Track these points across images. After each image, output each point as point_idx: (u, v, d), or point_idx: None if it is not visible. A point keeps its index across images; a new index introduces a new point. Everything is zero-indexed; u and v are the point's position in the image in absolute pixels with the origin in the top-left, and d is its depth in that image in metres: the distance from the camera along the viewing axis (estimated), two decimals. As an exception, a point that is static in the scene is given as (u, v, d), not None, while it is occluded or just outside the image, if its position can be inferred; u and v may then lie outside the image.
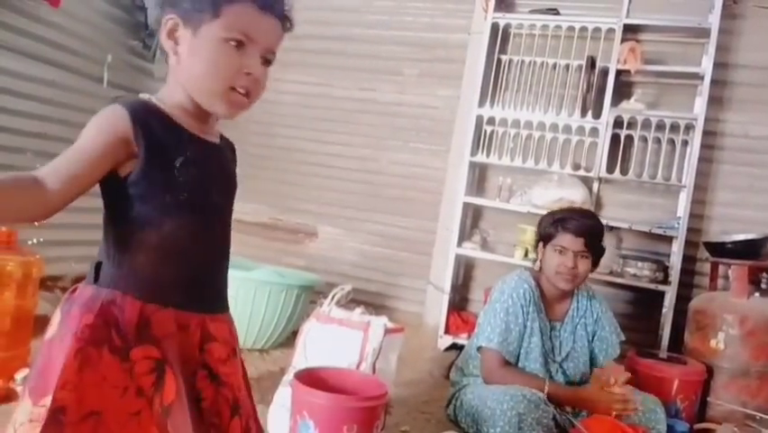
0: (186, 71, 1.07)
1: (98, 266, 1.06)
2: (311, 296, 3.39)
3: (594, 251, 2.45)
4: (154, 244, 1.05)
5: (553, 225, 2.46)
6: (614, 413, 2.13)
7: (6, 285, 2.19)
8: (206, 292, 1.13)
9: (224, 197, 1.17)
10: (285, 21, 1.12)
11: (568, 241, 2.41)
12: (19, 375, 2.18)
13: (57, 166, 0.96)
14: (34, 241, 3.44)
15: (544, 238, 2.51)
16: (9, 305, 2.18)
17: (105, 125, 1.00)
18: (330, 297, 2.37)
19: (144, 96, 1.09)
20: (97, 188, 1.04)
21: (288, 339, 3.21)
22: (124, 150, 1.01)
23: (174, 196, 1.05)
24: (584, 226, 2.41)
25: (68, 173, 0.96)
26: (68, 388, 0.95)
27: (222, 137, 1.20)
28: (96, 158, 0.98)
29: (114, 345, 1.00)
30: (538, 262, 2.53)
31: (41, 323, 1.26)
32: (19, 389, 2.11)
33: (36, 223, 0.98)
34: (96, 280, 1.05)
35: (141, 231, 1.05)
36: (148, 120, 1.03)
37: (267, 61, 1.10)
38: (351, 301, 2.43)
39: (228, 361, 1.11)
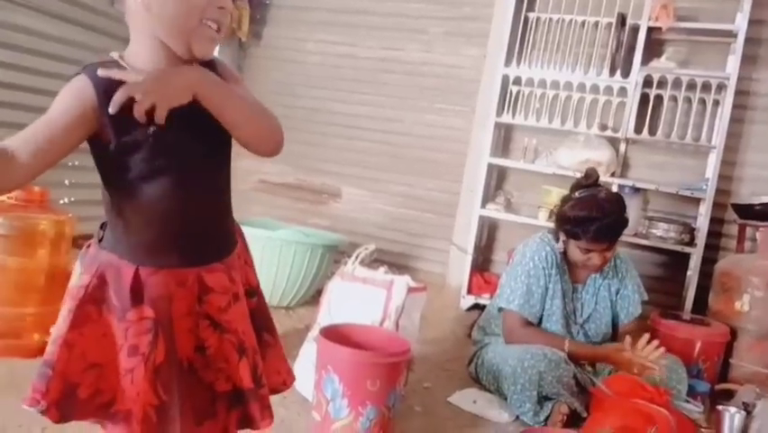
0: (158, 16, 1.01)
1: (102, 226, 1.10)
2: (335, 255, 3.43)
3: (619, 236, 2.41)
4: (139, 210, 1.05)
5: (575, 226, 2.36)
6: (635, 370, 2.15)
7: (40, 243, 2.25)
8: (200, 248, 1.12)
9: (209, 147, 1.10)
10: None
11: (592, 245, 2.36)
12: (54, 329, 2.26)
13: (27, 138, 0.94)
14: (66, 200, 3.52)
15: (565, 232, 2.43)
16: (43, 263, 2.25)
17: (71, 98, 0.98)
18: (354, 256, 2.39)
19: (114, 54, 1.05)
20: None
21: (313, 297, 3.27)
22: (95, 119, 0.99)
23: (151, 162, 1.02)
24: (606, 229, 2.33)
25: (38, 146, 0.94)
26: (59, 342, 1.02)
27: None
28: (65, 131, 0.97)
29: (111, 305, 1.05)
30: (561, 244, 2.46)
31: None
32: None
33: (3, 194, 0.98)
34: (101, 240, 1.09)
35: (126, 197, 1.05)
36: (114, 89, 0.96)
37: None
38: (374, 261, 2.46)
39: (229, 308, 1.12)
